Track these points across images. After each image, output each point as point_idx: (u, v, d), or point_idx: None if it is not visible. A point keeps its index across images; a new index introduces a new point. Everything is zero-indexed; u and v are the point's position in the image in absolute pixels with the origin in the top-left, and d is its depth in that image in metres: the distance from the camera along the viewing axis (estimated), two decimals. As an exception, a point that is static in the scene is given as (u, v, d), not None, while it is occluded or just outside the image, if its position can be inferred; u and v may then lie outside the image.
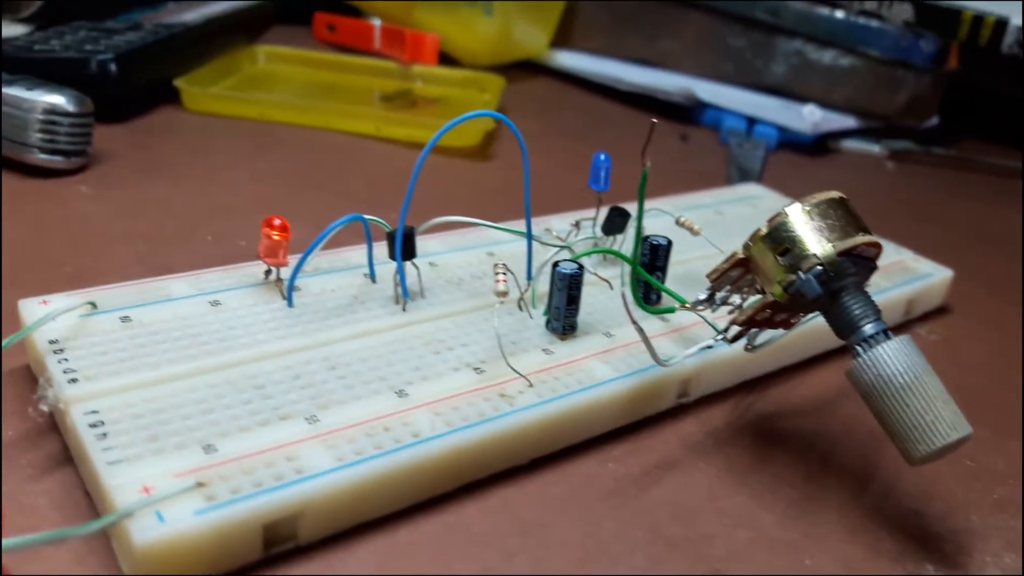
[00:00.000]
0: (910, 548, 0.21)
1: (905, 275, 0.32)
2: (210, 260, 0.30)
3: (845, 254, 0.21)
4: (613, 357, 0.24)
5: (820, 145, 0.55)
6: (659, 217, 0.32)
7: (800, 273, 0.20)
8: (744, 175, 0.46)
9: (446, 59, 0.56)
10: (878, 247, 0.21)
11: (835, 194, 0.21)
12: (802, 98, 0.55)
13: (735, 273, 0.22)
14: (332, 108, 0.44)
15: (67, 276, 0.28)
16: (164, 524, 0.16)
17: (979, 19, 0.58)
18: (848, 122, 0.56)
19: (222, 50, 0.50)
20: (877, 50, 0.54)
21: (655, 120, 0.21)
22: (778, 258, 0.21)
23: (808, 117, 0.53)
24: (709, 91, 0.56)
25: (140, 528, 0.16)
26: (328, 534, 0.19)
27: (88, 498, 0.19)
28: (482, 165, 0.43)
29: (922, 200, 0.48)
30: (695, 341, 0.25)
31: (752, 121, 0.54)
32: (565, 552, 0.19)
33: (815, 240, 0.21)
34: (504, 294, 0.22)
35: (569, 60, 0.61)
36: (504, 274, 0.22)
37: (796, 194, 0.41)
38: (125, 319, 0.22)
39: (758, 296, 0.24)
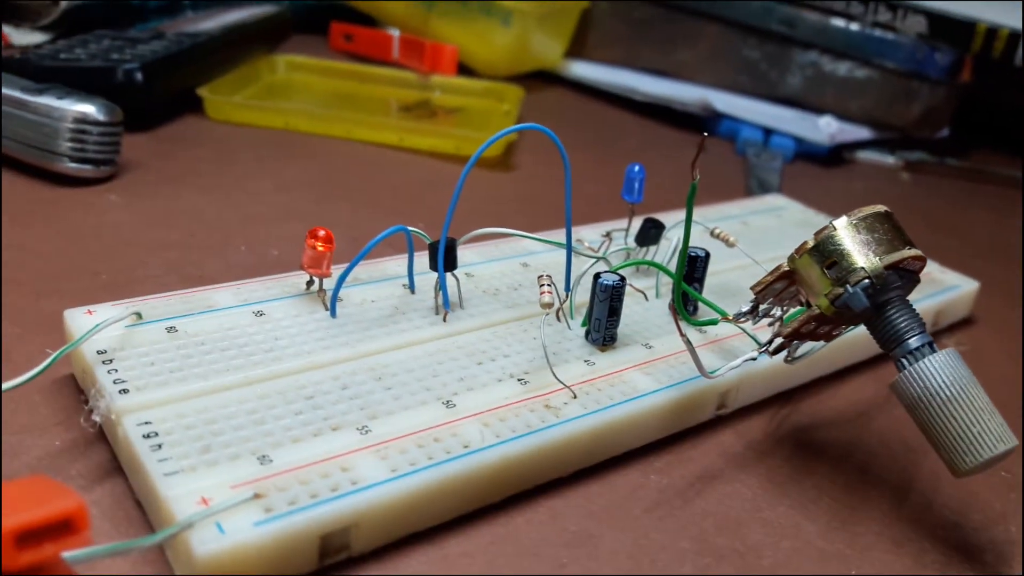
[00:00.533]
0: (954, 559, 0.21)
1: (932, 287, 0.32)
2: (244, 270, 0.30)
3: (892, 268, 0.21)
4: (653, 369, 0.24)
5: (835, 156, 0.55)
6: (679, 223, 0.32)
7: (848, 286, 0.21)
8: (763, 186, 0.47)
9: (463, 69, 0.57)
10: (923, 261, 0.21)
11: (881, 208, 0.22)
12: (817, 109, 0.56)
13: (779, 285, 0.22)
14: (355, 118, 0.45)
15: (103, 285, 0.28)
16: (224, 535, 0.16)
17: (993, 32, 0.58)
18: (863, 133, 0.56)
19: (243, 59, 0.50)
20: (893, 62, 0.55)
21: (706, 134, 0.21)
22: (825, 271, 0.21)
23: (825, 128, 0.53)
24: (725, 102, 0.56)
25: (201, 539, 0.16)
26: (381, 544, 0.19)
27: (139, 508, 0.19)
28: (504, 175, 0.43)
29: (939, 211, 0.49)
30: (732, 353, 0.25)
31: (768, 132, 0.55)
32: (615, 563, 0.19)
33: (862, 253, 0.21)
34: (550, 305, 0.22)
35: (584, 70, 0.62)
36: (549, 285, 0.22)
37: (816, 205, 0.41)
38: (171, 329, 0.22)
39: (799, 308, 0.24)
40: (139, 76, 0.41)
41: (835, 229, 0.21)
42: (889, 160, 0.56)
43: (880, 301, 0.21)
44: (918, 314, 0.21)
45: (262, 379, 0.21)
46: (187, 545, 0.16)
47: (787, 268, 0.22)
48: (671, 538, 0.20)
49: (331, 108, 0.48)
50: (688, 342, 0.21)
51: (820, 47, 0.56)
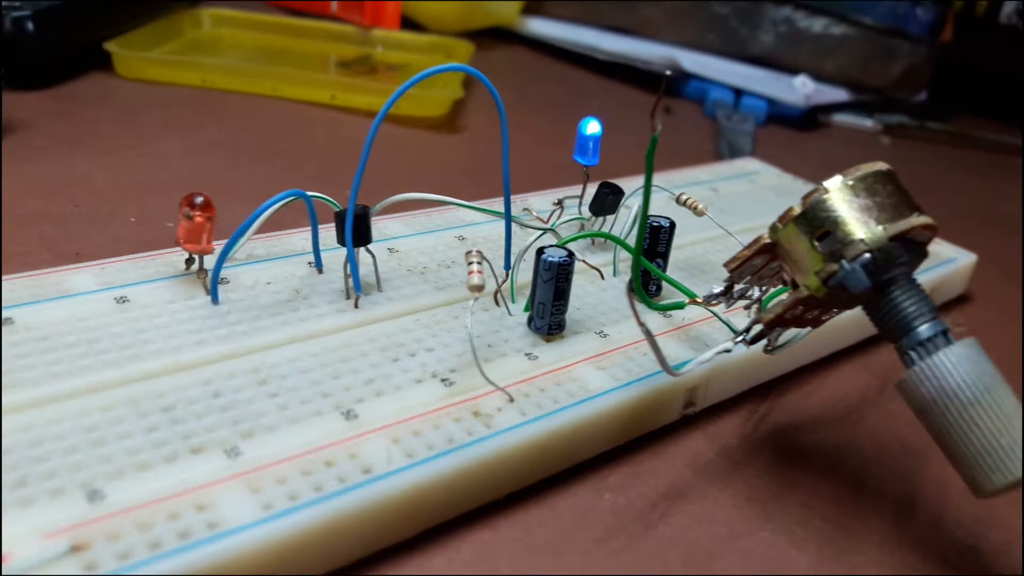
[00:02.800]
0: (970, 594, 0.17)
1: (925, 261, 0.28)
2: (131, 245, 0.25)
3: (897, 238, 0.17)
4: (608, 362, 0.20)
5: (810, 119, 0.51)
6: (654, 194, 0.28)
7: (844, 262, 0.17)
8: (734, 150, 0.43)
9: (409, 24, 0.52)
10: (934, 230, 0.18)
11: (882, 166, 0.18)
12: (791, 69, 0.52)
13: (758, 261, 0.18)
14: (282, 74, 0.40)
15: (-47, 265, 0.23)
16: (21, 609, 0.12)
17: (978, -14, 0.54)
18: (840, 94, 0.52)
19: (161, 11, 0.45)
20: (871, 18, 0.51)
21: (668, 73, 0.17)
22: (815, 244, 0.17)
23: (800, 89, 0.49)
24: (694, 61, 0.52)
25: (-13, 615, 0.12)
26: (252, 601, 0.14)
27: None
28: (450, 138, 0.39)
29: (922, 178, 0.45)
30: (702, 341, 0.21)
31: (739, 93, 0.51)
32: (556, 614, 0.15)
33: (862, 222, 0.17)
34: (480, 288, 0.18)
35: (542, 27, 0.57)
36: (479, 263, 0.18)
37: (792, 170, 0.37)
38: (7, 321, 0.18)
39: (781, 288, 0.20)
40: (30, 26, 0.36)
41: (827, 192, 0.17)
42: (867, 123, 0.52)
43: (883, 280, 0.17)
44: (927, 295, 0.17)
45: (111, 385, 0.17)
46: (-30, 622, 0.12)
47: (768, 240, 0.18)
48: (628, 578, 0.16)
49: (259, 63, 0.43)
50: (648, 332, 0.17)
51: (794, 2, 0.52)
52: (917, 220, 0.17)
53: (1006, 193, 0.44)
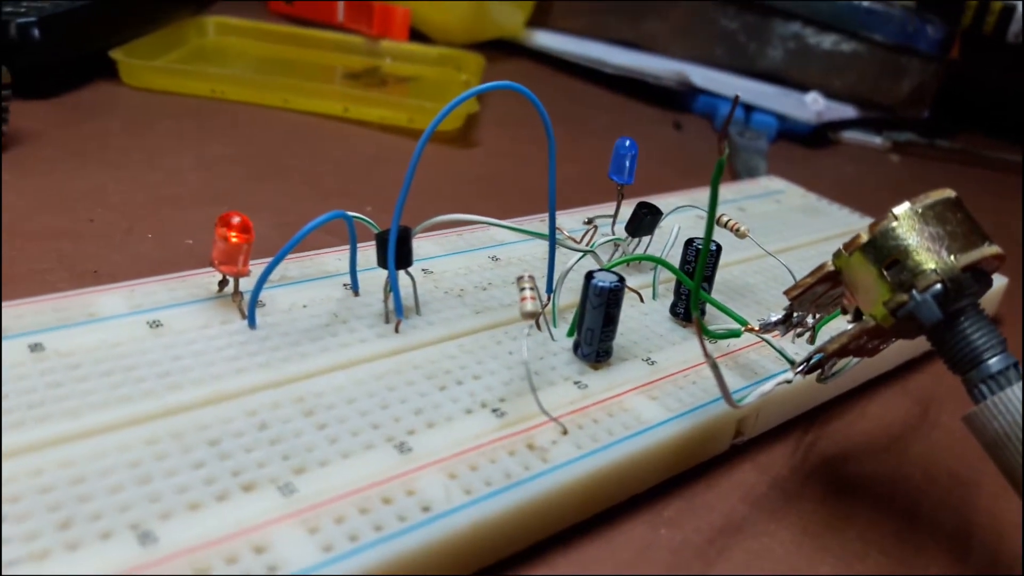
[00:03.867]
0: (1037, 634, 0.17)
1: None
2: (150, 264, 0.25)
3: (969, 269, 0.16)
4: (659, 391, 0.19)
5: (819, 136, 0.51)
6: (684, 212, 0.27)
7: (914, 292, 0.16)
8: (749, 170, 0.42)
9: (416, 35, 0.51)
10: (1002, 259, 0.17)
11: (950, 193, 0.17)
12: (799, 85, 0.51)
13: (820, 289, 0.18)
14: (293, 85, 0.39)
15: (-32, 284, 0.22)
16: (78, 665, 0.11)
17: (985, 5, 0.55)
18: (849, 111, 0.52)
19: (165, 18, 0.44)
20: (881, 35, 0.51)
21: (739, 96, 0.16)
22: (884, 272, 0.16)
23: (812, 106, 0.49)
24: (703, 76, 0.51)
25: (42, 673, 0.11)
26: (311, 648, 0.14)
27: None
28: (464, 152, 0.38)
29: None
30: (749, 368, 0.21)
31: (749, 109, 0.50)
32: (623, 660, 0.15)
33: (933, 251, 0.16)
34: (534, 315, 0.17)
35: (548, 40, 0.56)
36: (532, 289, 0.17)
37: (808, 187, 0.37)
38: (36, 347, 0.17)
39: (834, 314, 0.20)
40: (36, 32, 0.35)
41: (896, 219, 0.17)
42: (876, 141, 0.52)
43: (952, 310, 0.17)
44: (994, 327, 0.17)
45: (152, 416, 0.16)
46: None
47: (832, 268, 0.18)
48: (693, 620, 0.16)
49: (269, 74, 0.42)
50: (715, 365, 0.16)
51: (803, 18, 0.51)
52: (988, 250, 0.16)
53: (1017, 212, 0.44)
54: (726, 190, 0.33)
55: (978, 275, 0.17)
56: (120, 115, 0.36)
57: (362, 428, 0.16)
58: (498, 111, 0.43)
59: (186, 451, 0.15)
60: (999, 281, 0.29)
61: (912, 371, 0.25)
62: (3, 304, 0.18)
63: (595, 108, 0.50)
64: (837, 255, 0.17)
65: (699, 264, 0.18)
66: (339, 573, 0.13)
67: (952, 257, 0.16)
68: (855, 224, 0.32)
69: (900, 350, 0.24)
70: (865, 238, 0.17)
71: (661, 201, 0.30)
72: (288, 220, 0.28)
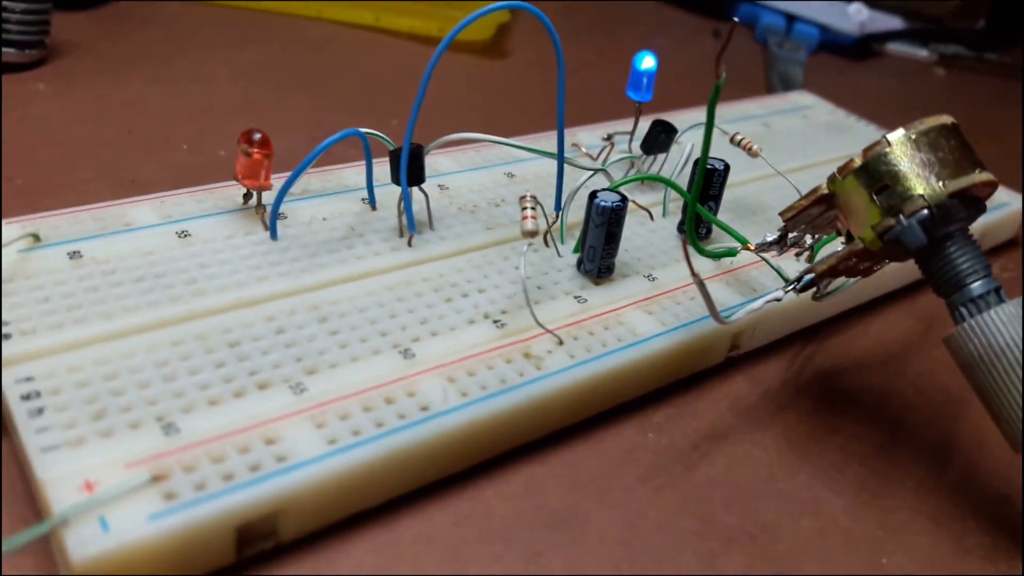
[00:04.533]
0: (1002, 542, 0.18)
1: (977, 204, 0.28)
2: (184, 174, 0.26)
3: (957, 195, 0.17)
4: (656, 306, 0.20)
5: (863, 48, 0.50)
6: (700, 129, 0.28)
7: (901, 217, 0.17)
8: (786, 81, 0.42)
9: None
10: (994, 186, 0.17)
11: (946, 119, 0.17)
12: (845, -7, 0.50)
13: (815, 211, 0.18)
14: (326, -6, 0.39)
15: (16, 191, 0.24)
16: (109, 534, 0.13)
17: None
18: (895, 23, 0.50)
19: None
20: (934, -61, 0.49)
21: (736, 20, 0.16)
22: (874, 197, 0.17)
23: (855, 16, 0.48)
24: (746, -17, 0.50)
25: (79, 539, 0.13)
26: (315, 529, 0.15)
27: (23, 476, 0.16)
28: (495, 63, 0.39)
29: (978, 113, 0.44)
30: (750, 285, 0.22)
31: (791, 19, 0.49)
32: (601, 549, 0.16)
33: (923, 177, 0.17)
34: (534, 234, 0.18)
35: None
36: (533, 208, 0.18)
37: (844, 103, 0.37)
38: (74, 255, 0.18)
39: (832, 235, 0.20)
40: (75, -58, 0.35)
41: (889, 145, 0.17)
42: (922, 53, 0.51)
43: (938, 235, 0.17)
44: (982, 252, 0.17)
45: (179, 319, 0.17)
46: (63, 544, 0.13)
47: (826, 191, 0.18)
48: (670, 516, 0.17)
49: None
50: (700, 282, 0.17)
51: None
52: (979, 177, 0.17)
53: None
54: (753, 104, 0.33)
55: (968, 201, 0.17)
56: (155, 25, 0.37)
57: (371, 335, 0.18)
58: (531, 19, 0.43)
59: (208, 352, 0.17)
60: (1017, 202, 0.29)
61: (921, 291, 0.26)
62: (43, 215, 0.19)
63: (632, 16, 0.49)
64: (831, 179, 0.18)
65: (696, 181, 0.18)
66: (342, 464, 0.15)
67: (941, 183, 0.17)
68: (880, 142, 0.31)
69: (909, 270, 0.24)
70: (858, 162, 0.17)
71: (687, 116, 0.30)
72: (317, 134, 0.29)
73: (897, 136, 0.17)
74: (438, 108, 0.19)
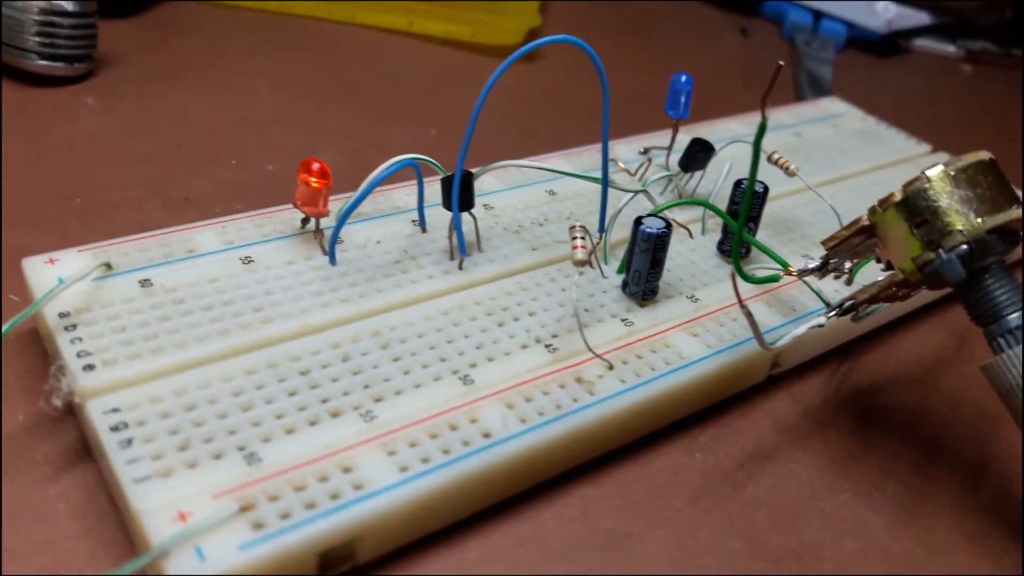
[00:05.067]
0: (1037, 559, 0.19)
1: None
2: (235, 189, 0.27)
3: (995, 231, 0.17)
4: (701, 328, 0.21)
5: (889, 44, 0.50)
6: (737, 146, 0.28)
7: (941, 252, 0.17)
8: (815, 81, 0.42)
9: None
10: (1032, 219, 0.18)
11: (984, 155, 0.18)
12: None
13: (856, 240, 0.19)
14: (359, 2, 0.40)
15: (76, 211, 0.25)
16: (205, 563, 0.14)
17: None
18: (922, 18, 0.50)
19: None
20: (962, -65, 0.49)
21: (781, 63, 0.17)
22: (913, 230, 0.18)
23: (882, 14, 0.48)
24: (773, -21, 0.50)
25: (179, 569, 0.14)
26: (389, 551, 0.16)
27: (111, 500, 0.16)
28: (526, 67, 0.39)
29: (1006, 110, 0.44)
30: (790, 306, 0.22)
31: (818, 16, 0.49)
32: (654, 571, 0.17)
33: (961, 213, 0.17)
34: (584, 263, 0.19)
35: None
36: (583, 237, 0.19)
37: (872, 102, 0.37)
38: (145, 283, 0.19)
39: (869, 258, 0.21)
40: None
41: (929, 181, 0.18)
42: (949, 49, 0.51)
43: (976, 268, 0.18)
44: (1018, 284, 0.18)
45: (250, 348, 0.18)
46: (162, 573, 0.14)
47: (867, 223, 0.19)
48: (720, 537, 0.18)
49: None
50: (749, 314, 0.18)
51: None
52: (1015, 213, 0.17)
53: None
54: (784, 113, 0.33)
55: (1005, 235, 0.18)
56: (197, 33, 0.37)
57: (431, 361, 0.19)
58: (560, 25, 0.43)
59: (280, 380, 0.17)
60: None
61: (951, 305, 0.26)
62: (109, 242, 0.20)
63: (660, 14, 0.50)
64: (872, 211, 0.18)
65: (743, 210, 0.19)
66: (414, 491, 0.16)
67: (979, 220, 0.17)
68: (911, 151, 0.32)
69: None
70: (899, 197, 0.18)
71: (718, 127, 0.31)
72: (358, 146, 0.30)
73: (936, 172, 0.18)
74: (471, 112, 0.20)
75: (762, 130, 0.17)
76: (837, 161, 0.30)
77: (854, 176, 0.29)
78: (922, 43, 0.51)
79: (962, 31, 0.52)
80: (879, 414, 0.22)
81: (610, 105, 0.20)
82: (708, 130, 0.30)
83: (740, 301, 0.17)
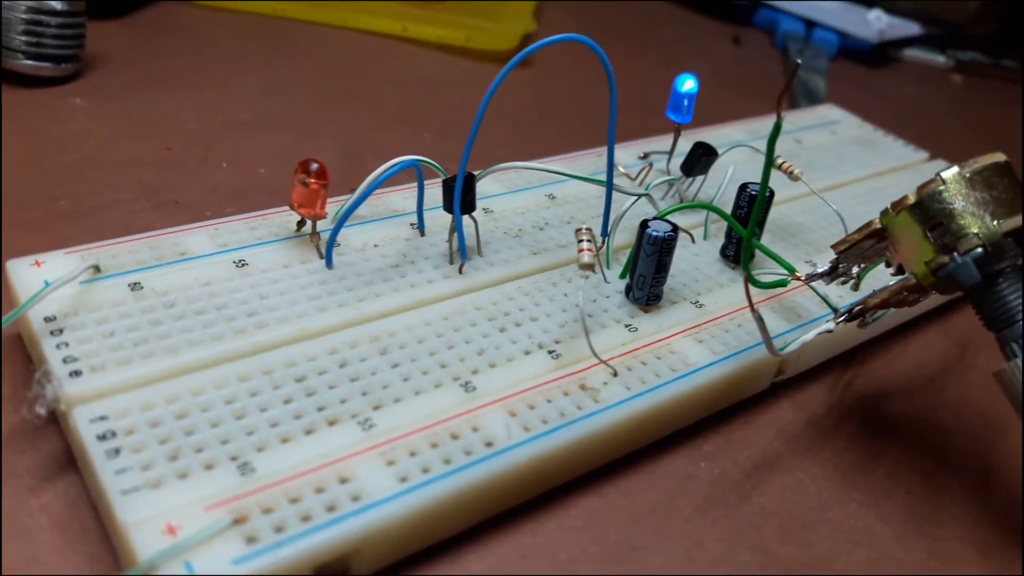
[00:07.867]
0: (1049, 571, 0.18)
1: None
2: (227, 193, 0.26)
3: (1011, 234, 0.17)
4: (705, 334, 0.20)
5: (880, 54, 0.50)
6: (739, 150, 0.28)
7: (955, 255, 0.17)
8: (809, 91, 0.42)
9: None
10: (1046, 223, 0.18)
11: (999, 158, 0.18)
12: (863, 0, 0.50)
13: (867, 244, 0.19)
14: (352, 4, 0.39)
15: (63, 213, 0.24)
16: (197, 578, 0.13)
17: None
18: (913, 29, 0.50)
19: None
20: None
21: (799, 61, 0.16)
22: (928, 234, 0.17)
23: (874, 23, 0.48)
24: (766, -12, 0.50)
25: (168, 584, 0.13)
26: (387, 565, 0.16)
27: (95, 513, 0.16)
28: (521, 72, 0.39)
29: (996, 121, 0.44)
30: (795, 311, 0.22)
31: (810, 25, 0.49)
32: (663, 582, 0.16)
33: (976, 216, 0.17)
34: (590, 267, 0.18)
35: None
36: (590, 241, 0.18)
37: (865, 112, 0.37)
38: (135, 286, 0.19)
39: (877, 262, 0.20)
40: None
41: (943, 183, 0.17)
42: (939, 60, 0.51)
43: (990, 272, 0.17)
44: (1033, 287, 0.18)
45: (244, 354, 0.17)
46: (151, 587, 0.13)
47: (879, 225, 0.18)
48: (729, 548, 0.17)
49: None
50: (760, 320, 0.17)
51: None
52: (1032, 215, 0.17)
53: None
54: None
55: (1021, 238, 0.17)
56: (187, 35, 0.37)
57: (431, 367, 0.18)
58: (554, 31, 0.43)
59: (275, 387, 0.17)
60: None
61: (953, 312, 0.26)
62: (97, 244, 0.19)
63: (654, 21, 0.49)
64: (884, 213, 0.18)
65: (753, 217, 0.19)
66: (414, 502, 0.15)
67: (995, 222, 0.17)
68: (909, 158, 0.32)
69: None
70: (912, 199, 0.18)
71: (718, 132, 0.30)
72: (352, 149, 0.29)
73: (951, 174, 0.17)
74: (469, 121, 0.19)
75: (777, 129, 0.17)
76: (837, 167, 0.30)
77: (853, 182, 0.29)
78: (912, 53, 0.51)
79: (952, 41, 0.52)
80: (884, 422, 0.22)
81: (600, 104, 0.20)
82: (705, 136, 0.30)
83: (752, 306, 0.17)
